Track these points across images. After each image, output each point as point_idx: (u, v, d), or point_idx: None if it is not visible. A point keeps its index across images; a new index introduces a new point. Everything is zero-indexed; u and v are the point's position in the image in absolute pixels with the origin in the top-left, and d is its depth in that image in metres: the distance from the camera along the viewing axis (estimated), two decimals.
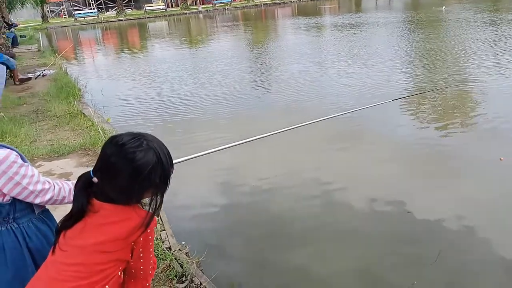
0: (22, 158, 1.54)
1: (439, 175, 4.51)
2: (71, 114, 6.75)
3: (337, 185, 4.43)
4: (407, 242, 3.44)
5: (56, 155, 5.11)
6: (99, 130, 5.71)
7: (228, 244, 3.58)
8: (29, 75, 10.70)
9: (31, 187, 1.53)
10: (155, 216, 1.40)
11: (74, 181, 1.71)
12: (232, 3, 48.49)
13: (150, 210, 1.38)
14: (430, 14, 21.95)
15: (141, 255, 1.40)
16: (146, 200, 1.42)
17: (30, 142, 5.59)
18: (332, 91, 8.07)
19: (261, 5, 46.17)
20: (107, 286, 1.33)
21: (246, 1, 49.13)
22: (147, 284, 1.50)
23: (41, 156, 5.07)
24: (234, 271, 3.19)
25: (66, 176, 4.53)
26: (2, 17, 17.38)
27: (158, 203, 1.39)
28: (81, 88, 9.06)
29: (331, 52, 12.63)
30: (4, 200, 1.53)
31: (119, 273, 1.38)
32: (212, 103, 7.97)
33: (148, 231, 1.37)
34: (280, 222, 3.87)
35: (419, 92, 7.60)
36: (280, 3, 46.80)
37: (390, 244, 3.44)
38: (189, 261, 2.88)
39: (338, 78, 9.15)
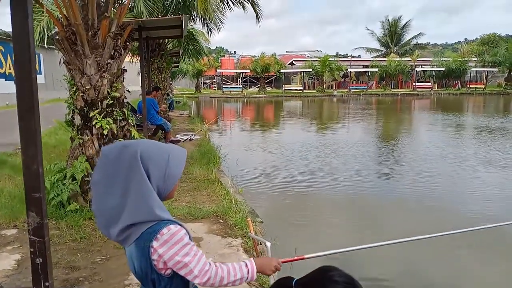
0: (189, 237, 1.65)
1: None
2: (209, 180, 7.27)
3: None
4: None
5: (191, 217, 5.47)
6: (232, 200, 6.01)
7: None
8: (178, 137, 12.01)
9: (191, 265, 1.61)
10: None
11: (233, 263, 1.75)
12: (368, 90, 49.10)
13: None
14: None
15: None
16: None
17: (171, 201, 6.12)
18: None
19: (398, 94, 45.73)
20: None
21: (382, 89, 49.25)
22: None
23: (178, 217, 5.46)
24: None
25: (196, 240, 4.78)
26: (165, 86, 20.38)
27: None
28: (220, 156, 9.81)
29: (480, 159, 11.38)
30: (165, 273, 1.62)
31: None
32: (340, 191, 7.84)
33: None
34: None
35: None
36: (418, 94, 45.80)
37: None
38: None
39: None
